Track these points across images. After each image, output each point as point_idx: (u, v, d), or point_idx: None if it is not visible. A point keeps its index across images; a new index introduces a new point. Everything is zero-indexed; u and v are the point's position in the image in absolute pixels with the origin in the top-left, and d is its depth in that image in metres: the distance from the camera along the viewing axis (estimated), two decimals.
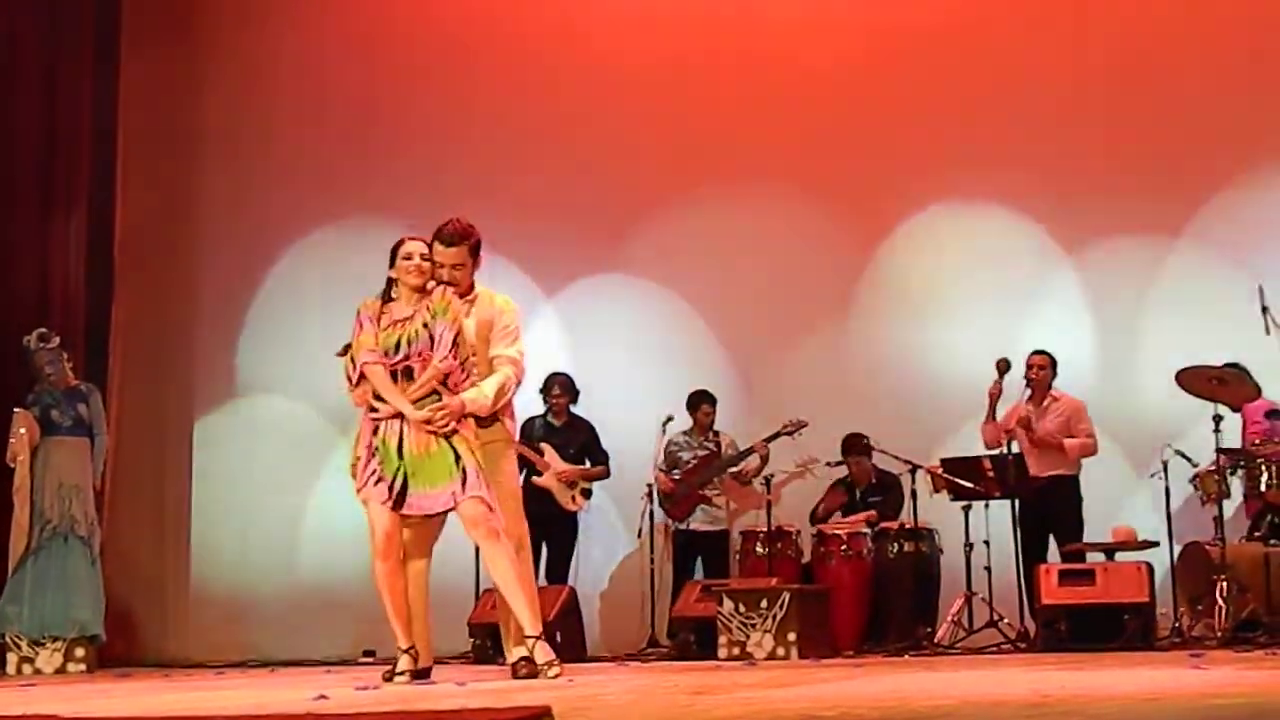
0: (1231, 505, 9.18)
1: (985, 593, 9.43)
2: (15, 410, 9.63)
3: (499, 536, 6.43)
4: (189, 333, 11.99)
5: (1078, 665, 6.51)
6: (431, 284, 6.59)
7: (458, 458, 6.38)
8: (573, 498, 10.22)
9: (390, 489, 6.40)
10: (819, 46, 11.05)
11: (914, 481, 9.70)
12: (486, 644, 9.12)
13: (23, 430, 9.55)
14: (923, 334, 10.69)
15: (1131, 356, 10.31)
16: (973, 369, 9.95)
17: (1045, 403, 9.82)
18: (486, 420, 6.66)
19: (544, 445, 10.16)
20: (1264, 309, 8.95)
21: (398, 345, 6.47)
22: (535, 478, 9.99)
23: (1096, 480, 9.77)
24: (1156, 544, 9.13)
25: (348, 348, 6.59)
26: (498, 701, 4.98)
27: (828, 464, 10.21)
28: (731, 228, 10.99)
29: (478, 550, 7.08)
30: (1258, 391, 9.07)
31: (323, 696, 5.50)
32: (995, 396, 9.74)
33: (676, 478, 10.33)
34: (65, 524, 9.56)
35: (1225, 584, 8.64)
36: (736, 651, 8.73)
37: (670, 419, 10.40)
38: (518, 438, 7.39)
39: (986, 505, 9.65)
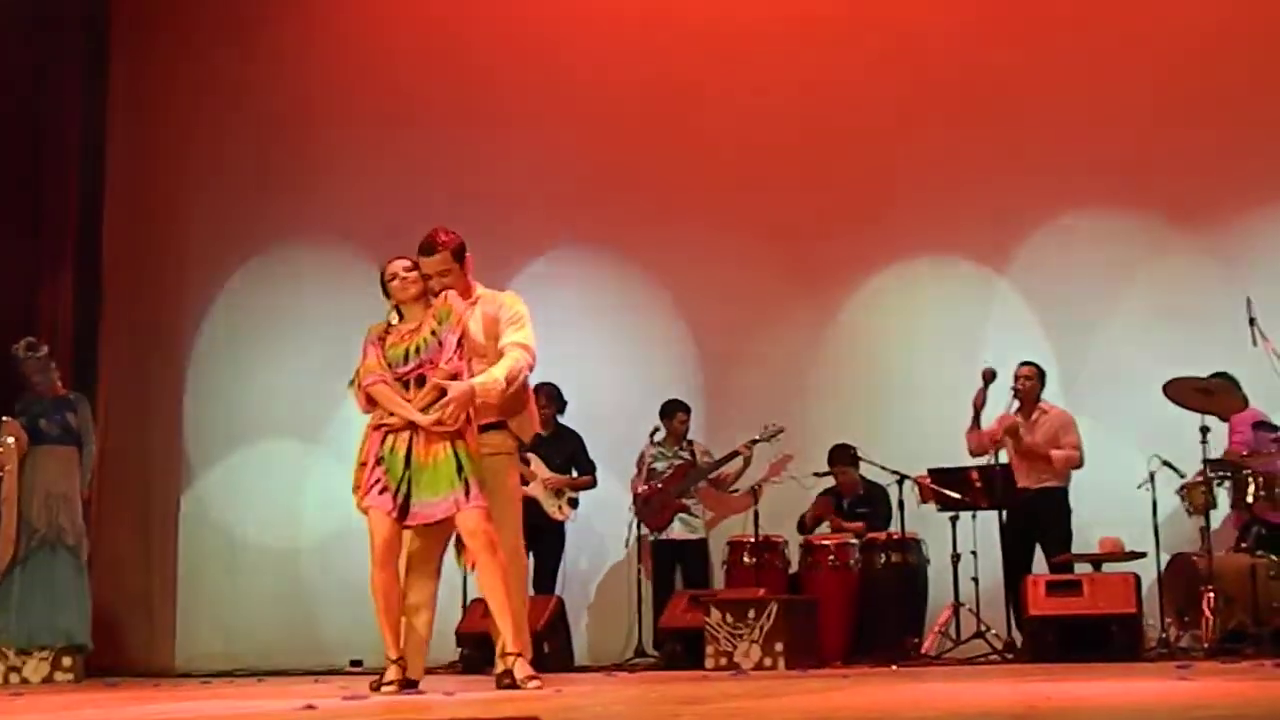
0: (1218, 516, 9.19)
1: (972, 603, 9.46)
2: (3, 419, 9.59)
3: (496, 550, 6.45)
4: (177, 344, 11.98)
5: (1065, 676, 6.52)
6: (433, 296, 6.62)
7: (460, 467, 6.40)
8: (559, 507, 10.22)
9: (395, 498, 6.41)
10: (814, 58, 11.07)
11: (901, 492, 9.72)
12: (475, 654, 9.12)
13: (10, 439, 9.51)
14: (908, 345, 10.70)
15: (1117, 368, 10.30)
16: (958, 379, 9.93)
17: (1034, 415, 9.79)
18: (490, 427, 6.67)
19: (530, 455, 10.15)
20: (1251, 320, 8.98)
21: (407, 355, 6.50)
22: (522, 487, 9.96)
23: (1083, 491, 9.77)
24: (1144, 555, 9.14)
25: (355, 378, 6.60)
26: (486, 711, 4.98)
27: (814, 474, 10.21)
28: (716, 238, 10.99)
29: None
30: (1245, 402, 9.10)
31: (310, 706, 5.49)
32: (980, 406, 9.72)
33: (659, 486, 10.30)
34: (53, 533, 9.52)
35: (1212, 595, 8.66)
36: (724, 662, 8.73)
37: (657, 429, 10.41)
38: None
39: (974, 516, 9.67)
